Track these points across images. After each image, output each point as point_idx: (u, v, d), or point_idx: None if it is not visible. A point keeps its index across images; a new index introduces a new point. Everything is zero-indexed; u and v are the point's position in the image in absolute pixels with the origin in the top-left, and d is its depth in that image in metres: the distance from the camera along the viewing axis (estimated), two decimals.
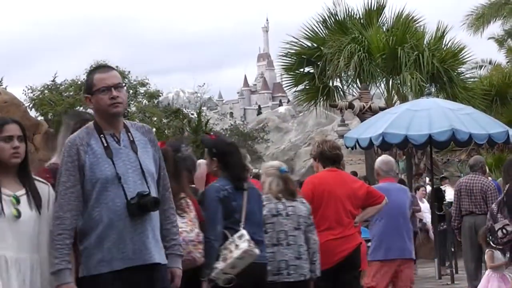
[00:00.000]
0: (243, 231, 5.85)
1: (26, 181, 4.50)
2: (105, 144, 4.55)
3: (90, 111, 5.36)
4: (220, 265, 5.76)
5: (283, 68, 23.34)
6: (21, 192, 4.45)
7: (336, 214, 7.07)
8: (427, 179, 19.91)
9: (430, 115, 13.17)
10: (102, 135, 4.58)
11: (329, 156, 7.28)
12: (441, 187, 17.65)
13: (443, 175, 18.12)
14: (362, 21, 22.78)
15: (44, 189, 4.58)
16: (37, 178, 4.62)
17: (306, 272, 6.56)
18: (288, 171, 7.07)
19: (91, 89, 4.69)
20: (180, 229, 5.09)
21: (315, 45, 22.76)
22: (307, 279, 6.58)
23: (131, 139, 4.64)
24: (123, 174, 4.51)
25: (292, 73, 23.05)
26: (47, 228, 4.47)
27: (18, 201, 4.40)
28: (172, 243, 4.75)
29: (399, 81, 21.50)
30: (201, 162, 6.96)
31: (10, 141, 4.43)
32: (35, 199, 4.46)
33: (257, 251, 5.79)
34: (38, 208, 4.46)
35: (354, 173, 15.58)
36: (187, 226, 5.59)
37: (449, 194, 15.92)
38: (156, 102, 39.34)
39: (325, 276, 6.84)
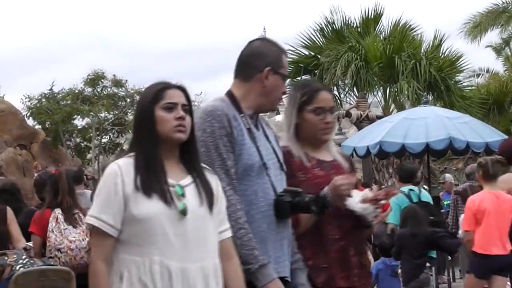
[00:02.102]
0: None
1: (193, 167, 3.40)
2: (247, 126, 3.76)
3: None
4: None
5: None
6: (186, 181, 3.35)
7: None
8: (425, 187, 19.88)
9: (427, 123, 13.16)
10: (242, 115, 3.78)
11: None
12: None
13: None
14: (359, 29, 22.81)
15: (212, 178, 3.46)
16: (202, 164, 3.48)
17: None
18: None
19: (278, 67, 3.87)
20: (73, 239, 6.62)
21: (312, 53, 22.80)
22: None
23: (263, 127, 3.93)
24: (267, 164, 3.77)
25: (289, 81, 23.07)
26: (216, 230, 3.38)
27: (183, 193, 3.31)
28: (297, 257, 3.94)
29: (396, 90, 21.52)
30: None
31: (174, 110, 3.34)
32: (206, 192, 3.37)
33: None
34: (209, 203, 3.35)
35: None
36: (80, 236, 6.80)
37: None
38: None
39: None
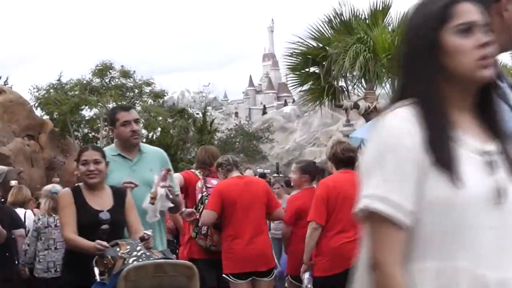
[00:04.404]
0: None
1: (498, 127, 2.24)
2: None
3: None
4: None
5: (288, 68, 23.36)
6: (492, 147, 2.20)
7: (350, 216, 7.02)
8: None
9: None
10: None
11: (342, 159, 7.22)
12: None
13: None
14: (367, 21, 22.78)
15: None
16: None
17: None
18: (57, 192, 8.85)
19: None
20: None
21: (321, 45, 22.77)
22: None
23: (506, 78, 2.85)
24: None
25: (297, 73, 23.07)
26: None
27: (496, 165, 2.17)
28: None
29: None
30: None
31: (472, 35, 2.22)
32: None
33: None
34: None
35: None
36: None
37: None
38: (161, 101, 39.44)
39: (339, 279, 6.83)
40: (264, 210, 7.59)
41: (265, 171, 40.93)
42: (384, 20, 22.85)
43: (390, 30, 22.61)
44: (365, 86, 21.72)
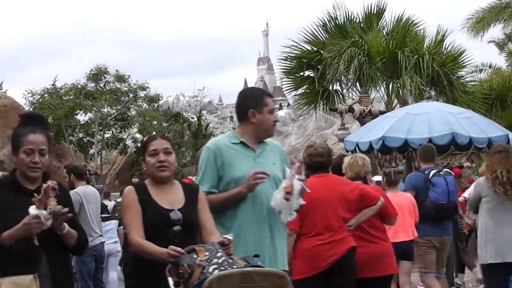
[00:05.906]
0: None
1: None
2: None
3: None
4: None
5: (283, 72, 23.37)
6: None
7: (324, 220, 6.98)
8: None
9: (430, 118, 13.18)
10: None
11: (309, 164, 7.17)
12: None
13: None
14: (362, 25, 22.81)
15: None
16: None
17: None
18: None
19: None
20: None
21: (315, 49, 22.79)
22: None
23: None
24: None
25: (292, 76, 23.08)
26: None
27: None
28: None
29: (399, 85, 21.51)
30: None
31: None
32: None
33: None
34: None
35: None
36: None
37: None
38: (156, 106, 39.35)
39: (315, 281, 6.83)
40: None
41: None
42: (379, 24, 22.89)
43: (384, 33, 22.64)
44: (359, 89, 21.74)
